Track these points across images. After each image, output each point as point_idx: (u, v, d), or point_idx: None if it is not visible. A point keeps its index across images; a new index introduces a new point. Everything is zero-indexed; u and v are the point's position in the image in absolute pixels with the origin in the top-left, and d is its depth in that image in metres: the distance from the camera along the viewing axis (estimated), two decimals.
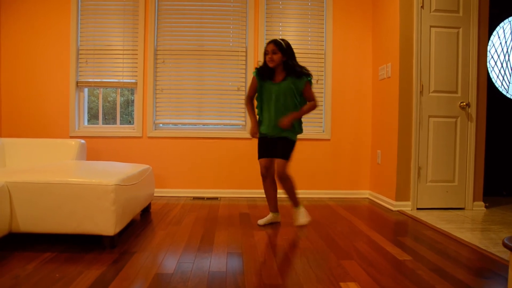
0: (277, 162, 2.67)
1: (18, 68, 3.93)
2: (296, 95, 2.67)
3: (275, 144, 2.70)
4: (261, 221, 2.82)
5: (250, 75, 3.97)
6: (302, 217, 2.73)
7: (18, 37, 3.92)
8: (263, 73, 2.70)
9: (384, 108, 3.73)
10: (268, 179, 2.79)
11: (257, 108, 2.81)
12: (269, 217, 2.83)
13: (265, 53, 2.65)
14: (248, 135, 3.93)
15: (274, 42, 2.62)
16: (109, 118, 4.15)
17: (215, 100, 4.04)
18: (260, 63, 2.76)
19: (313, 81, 4.07)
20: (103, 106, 4.11)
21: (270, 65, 2.63)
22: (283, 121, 2.61)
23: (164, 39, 4.02)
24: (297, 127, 2.75)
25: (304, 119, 4.03)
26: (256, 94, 2.79)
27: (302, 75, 2.65)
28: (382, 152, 3.76)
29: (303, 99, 2.72)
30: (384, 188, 3.67)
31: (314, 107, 2.73)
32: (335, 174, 4.08)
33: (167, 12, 4.01)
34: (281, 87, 2.66)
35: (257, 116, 2.82)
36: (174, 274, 1.83)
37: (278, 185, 2.74)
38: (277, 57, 2.61)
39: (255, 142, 2.96)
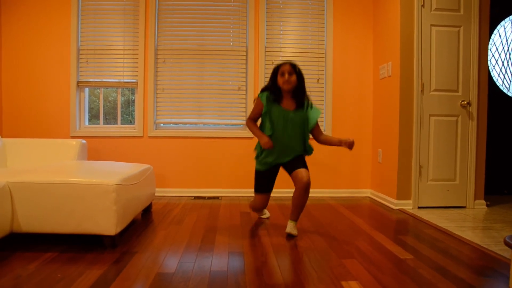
0: (304, 171, 2.42)
1: (19, 68, 3.93)
2: (306, 125, 2.52)
3: (286, 164, 2.56)
4: (264, 216, 2.99)
5: (251, 74, 3.97)
6: (293, 229, 2.49)
7: (18, 37, 3.92)
8: (274, 96, 2.49)
9: (385, 107, 3.72)
10: (262, 210, 2.90)
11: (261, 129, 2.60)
12: (265, 210, 2.98)
13: (280, 74, 2.45)
14: (249, 135, 3.94)
15: (290, 63, 2.47)
16: (110, 118, 4.15)
17: (216, 100, 4.04)
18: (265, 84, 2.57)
19: (314, 80, 4.11)
20: (103, 106, 4.11)
21: (286, 87, 2.44)
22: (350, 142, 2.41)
23: (165, 38, 4.02)
24: (308, 150, 2.59)
25: None
26: (261, 119, 2.59)
27: (312, 106, 2.53)
28: (383, 151, 3.75)
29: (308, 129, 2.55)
30: (385, 187, 3.67)
31: None
32: (336, 173, 4.08)
33: (168, 11, 4.01)
34: (297, 116, 2.49)
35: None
36: (175, 273, 1.83)
37: (302, 196, 2.43)
38: (294, 79, 2.45)
39: (255, 141, 2.96)
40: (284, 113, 2.48)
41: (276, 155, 2.54)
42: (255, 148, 2.66)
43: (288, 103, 2.51)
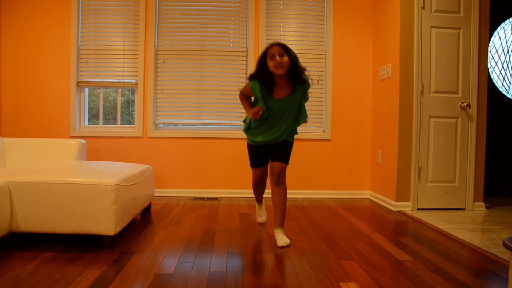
0: (277, 164, 2.34)
1: (19, 68, 3.93)
2: (301, 104, 2.38)
3: (272, 148, 2.42)
4: (261, 219, 2.80)
5: None
6: (284, 238, 2.32)
7: (19, 37, 3.92)
8: (267, 87, 2.23)
9: (384, 109, 3.72)
10: (261, 187, 2.67)
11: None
12: (263, 210, 2.80)
13: (269, 57, 2.16)
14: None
15: (279, 44, 2.18)
16: (110, 118, 4.15)
17: (216, 100, 4.04)
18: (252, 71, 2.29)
19: (314, 81, 4.11)
20: (103, 106, 4.11)
21: (279, 71, 2.15)
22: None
23: (165, 39, 4.02)
24: (296, 130, 2.47)
25: None
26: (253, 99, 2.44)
27: (305, 81, 2.27)
28: (382, 152, 3.75)
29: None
30: (385, 189, 3.67)
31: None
32: (336, 174, 4.08)
33: (168, 12, 4.01)
34: (290, 102, 2.29)
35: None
36: (174, 274, 1.83)
37: (276, 193, 2.38)
38: (287, 60, 2.15)
39: None
40: (279, 105, 2.27)
41: (265, 136, 2.37)
42: (244, 120, 2.52)
43: (282, 90, 2.25)
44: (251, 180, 2.66)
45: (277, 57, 2.13)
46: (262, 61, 2.20)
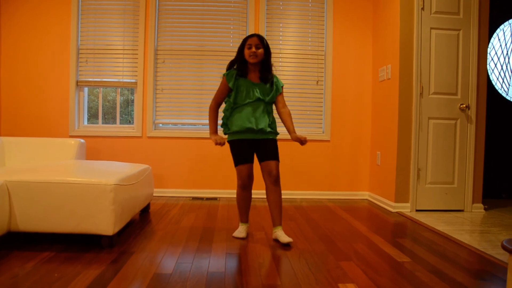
0: (272, 163, 2.37)
1: (18, 67, 3.93)
2: (270, 99, 2.42)
3: (259, 147, 2.41)
4: (239, 234, 2.50)
5: None
6: (285, 236, 2.35)
7: (18, 37, 3.92)
8: (240, 72, 2.39)
9: (384, 110, 3.73)
10: (249, 189, 2.46)
11: (225, 111, 2.46)
12: (245, 228, 2.53)
13: (247, 46, 2.36)
14: None
15: (258, 36, 2.37)
16: (109, 117, 4.15)
17: None
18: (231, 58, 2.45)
19: (313, 82, 4.11)
20: (103, 105, 4.11)
21: (252, 60, 2.35)
22: (304, 139, 2.36)
23: (165, 39, 4.02)
24: (275, 129, 2.49)
25: (304, 120, 4.08)
26: (226, 98, 2.48)
27: (273, 80, 2.42)
28: (381, 154, 3.76)
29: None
30: (384, 190, 3.67)
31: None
32: (335, 175, 4.08)
33: (168, 12, 4.01)
34: (265, 89, 2.41)
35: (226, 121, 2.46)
36: (173, 274, 1.83)
37: (273, 193, 2.39)
38: (261, 52, 2.36)
39: None
40: (250, 85, 2.38)
41: (247, 129, 2.36)
42: (222, 124, 2.48)
43: (253, 76, 2.41)
44: (237, 194, 2.50)
45: (253, 48, 2.35)
46: (241, 48, 2.41)
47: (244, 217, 2.54)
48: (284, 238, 2.32)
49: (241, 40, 2.49)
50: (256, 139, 2.40)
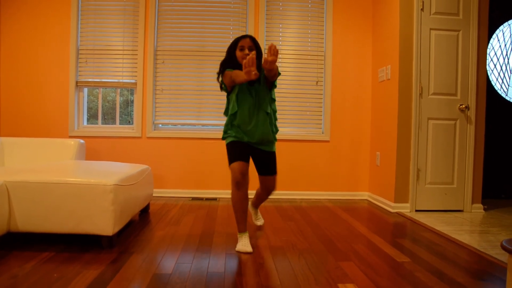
0: (270, 179, 2.38)
1: (18, 68, 3.93)
2: (267, 94, 2.30)
3: (257, 158, 2.36)
4: (244, 247, 2.23)
5: None
6: (261, 218, 2.82)
7: (18, 37, 3.92)
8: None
9: (383, 110, 3.73)
10: (244, 189, 2.22)
11: (225, 114, 2.37)
12: (247, 238, 2.29)
13: (239, 48, 2.25)
14: None
15: (251, 37, 2.27)
16: (109, 118, 4.15)
17: (215, 101, 4.04)
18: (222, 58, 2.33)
19: (313, 82, 4.11)
20: (102, 106, 4.11)
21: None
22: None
23: (164, 39, 4.02)
24: (275, 136, 2.39)
25: (303, 120, 4.08)
26: (226, 99, 2.37)
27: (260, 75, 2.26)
28: (381, 154, 3.76)
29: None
30: (383, 190, 3.67)
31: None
32: (334, 176, 4.08)
33: (167, 12, 4.01)
34: (261, 90, 2.25)
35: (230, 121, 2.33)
36: (173, 274, 1.83)
37: (263, 196, 2.53)
38: (255, 54, 2.24)
39: None
40: (247, 88, 2.24)
41: (248, 135, 2.28)
42: (224, 130, 2.38)
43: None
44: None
45: (246, 50, 2.24)
46: (232, 49, 2.30)
47: (242, 225, 2.28)
48: (260, 220, 2.78)
49: None
50: (255, 147, 2.33)
